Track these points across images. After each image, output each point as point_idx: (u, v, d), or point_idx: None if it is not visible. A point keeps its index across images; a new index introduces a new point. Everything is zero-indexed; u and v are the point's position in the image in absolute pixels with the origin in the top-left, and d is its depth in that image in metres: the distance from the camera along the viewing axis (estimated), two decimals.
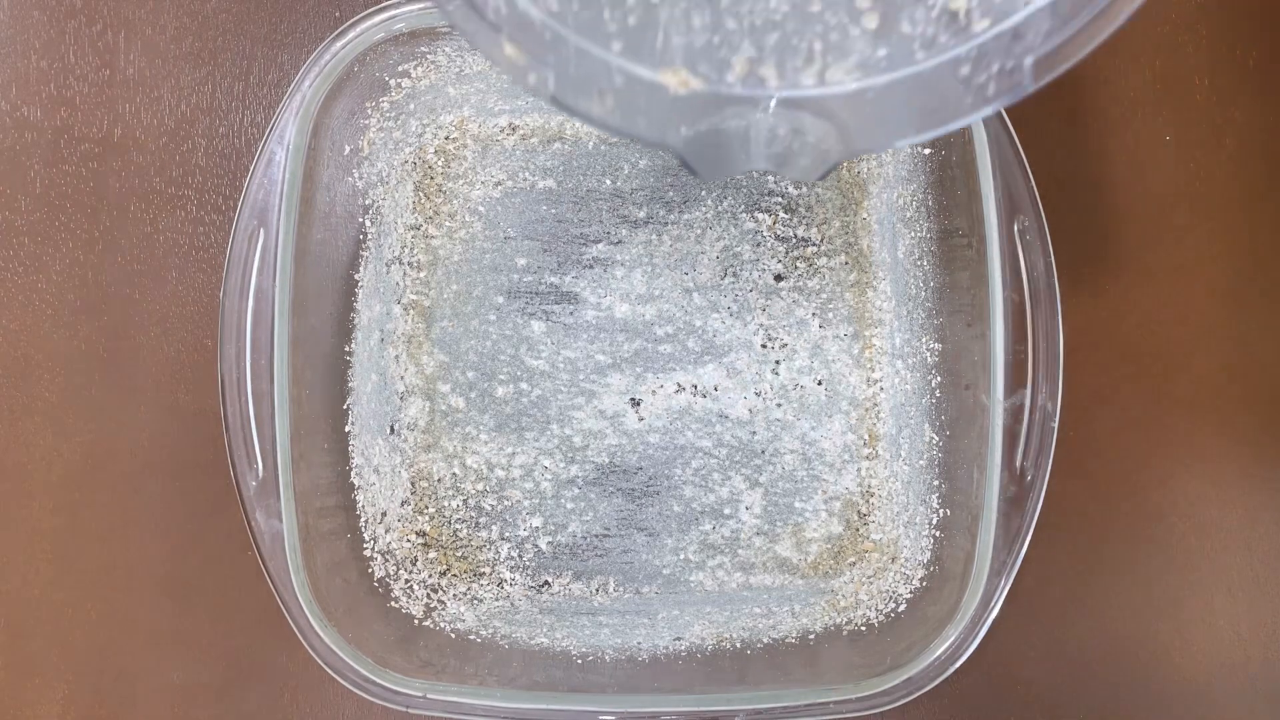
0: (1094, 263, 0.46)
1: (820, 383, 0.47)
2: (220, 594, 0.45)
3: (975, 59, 0.32)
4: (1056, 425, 0.39)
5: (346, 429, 0.44)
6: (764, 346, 0.47)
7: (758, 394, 0.47)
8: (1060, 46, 0.32)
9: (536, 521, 0.46)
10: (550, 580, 0.46)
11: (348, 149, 0.44)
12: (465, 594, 0.46)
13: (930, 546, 0.44)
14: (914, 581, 0.43)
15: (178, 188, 0.46)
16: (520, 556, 0.46)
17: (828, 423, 0.47)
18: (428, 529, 0.46)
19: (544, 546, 0.46)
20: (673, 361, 0.47)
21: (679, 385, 0.47)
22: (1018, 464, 0.39)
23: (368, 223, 0.45)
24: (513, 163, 0.48)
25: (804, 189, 0.47)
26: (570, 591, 0.46)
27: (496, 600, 0.46)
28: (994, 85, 0.32)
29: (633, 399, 0.47)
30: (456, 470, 0.47)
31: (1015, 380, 0.39)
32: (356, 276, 0.45)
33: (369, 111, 0.44)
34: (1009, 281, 0.39)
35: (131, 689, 0.45)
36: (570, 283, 0.47)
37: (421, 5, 0.40)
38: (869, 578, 0.45)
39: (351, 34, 0.40)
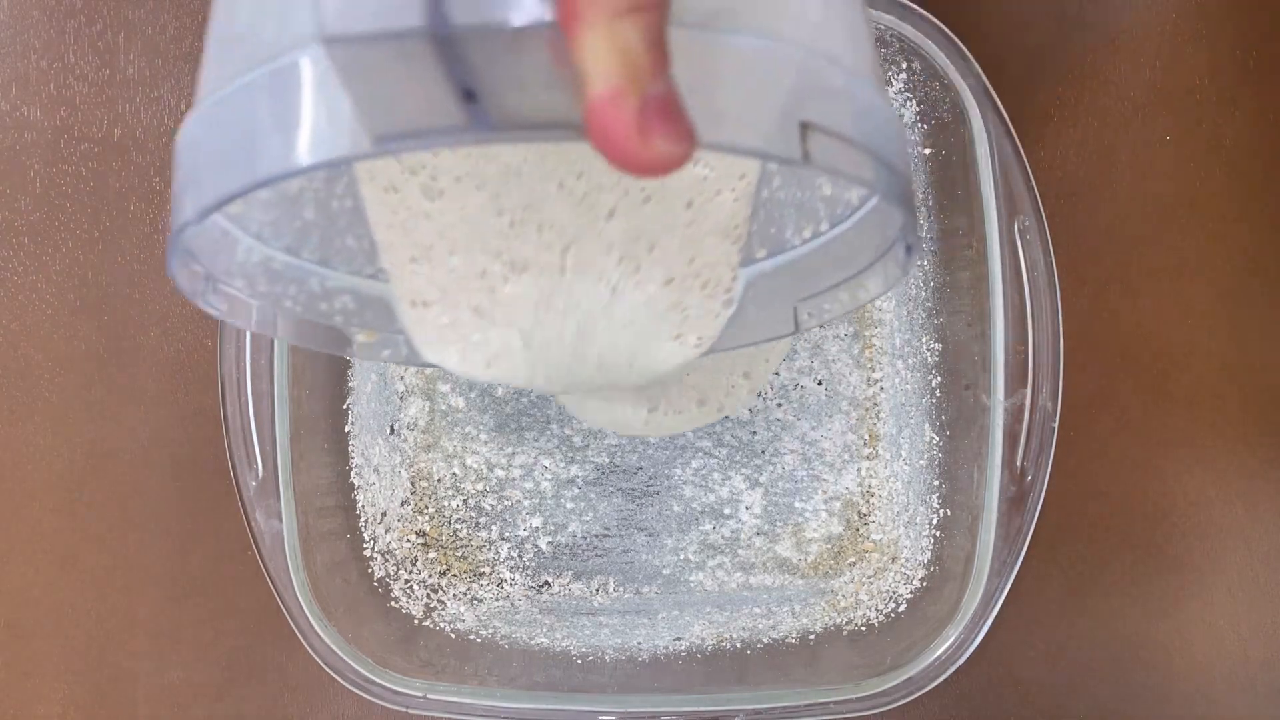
0: (1094, 263, 0.46)
1: (820, 383, 0.47)
2: (220, 594, 0.45)
3: (757, 284, 0.34)
4: (1056, 425, 0.39)
5: (346, 429, 0.44)
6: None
7: (758, 394, 0.47)
8: (816, 302, 0.33)
9: (536, 521, 0.46)
10: (550, 580, 0.46)
11: None
12: (465, 594, 0.46)
13: (930, 546, 0.44)
14: (914, 581, 0.43)
15: None
16: (520, 556, 0.46)
17: (828, 423, 0.47)
18: (428, 529, 0.46)
19: (544, 546, 0.46)
20: None
21: None
22: (1018, 464, 0.39)
23: None
24: None
25: None
26: (570, 591, 0.46)
27: (496, 600, 0.46)
28: (770, 319, 0.34)
29: None
30: (456, 470, 0.47)
31: (1015, 380, 0.39)
32: None
33: None
34: (1009, 281, 0.39)
35: (131, 689, 0.45)
36: None
37: None
38: (869, 578, 0.45)
39: None
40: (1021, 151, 0.39)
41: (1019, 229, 0.39)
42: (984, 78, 0.40)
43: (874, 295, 0.31)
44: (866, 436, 0.47)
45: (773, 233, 0.34)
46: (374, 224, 0.32)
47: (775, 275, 0.34)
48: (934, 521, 0.44)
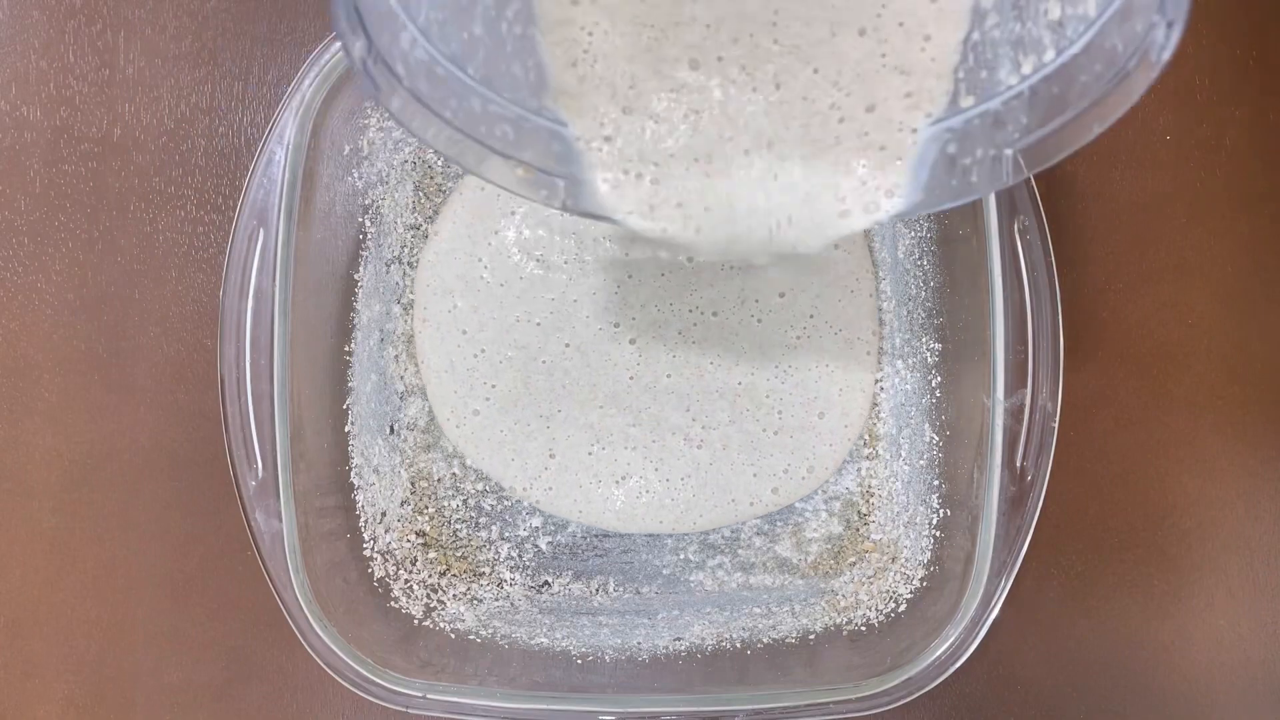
0: (1094, 263, 0.46)
1: None
2: (220, 594, 0.45)
3: (961, 138, 0.32)
4: (1056, 425, 0.39)
5: (346, 429, 0.44)
6: None
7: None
8: (1038, 144, 0.31)
9: (536, 521, 0.46)
10: (550, 580, 0.46)
11: (347, 148, 0.44)
12: (465, 594, 0.46)
13: (930, 546, 0.44)
14: (914, 581, 0.43)
15: (177, 187, 0.46)
16: (520, 556, 0.46)
17: None
18: (427, 529, 0.46)
19: (544, 546, 0.46)
20: None
21: None
22: (1018, 464, 0.39)
23: (367, 222, 0.45)
24: None
25: None
26: (570, 591, 0.46)
27: (496, 600, 0.46)
28: (977, 171, 0.32)
29: None
30: (456, 470, 0.47)
31: (1015, 380, 0.39)
32: (356, 276, 0.45)
33: (369, 111, 0.44)
34: (1009, 281, 0.39)
35: (131, 689, 0.45)
36: None
37: None
38: (869, 578, 0.45)
39: None
40: None
41: (1019, 229, 0.39)
42: None
43: (1122, 110, 0.29)
44: (866, 436, 0.47)
45: (983, 76, 0.31)
46: (548, 45, 0.31)
47: (978, 124, 0.32)
48: (934, 521, 0.44)
